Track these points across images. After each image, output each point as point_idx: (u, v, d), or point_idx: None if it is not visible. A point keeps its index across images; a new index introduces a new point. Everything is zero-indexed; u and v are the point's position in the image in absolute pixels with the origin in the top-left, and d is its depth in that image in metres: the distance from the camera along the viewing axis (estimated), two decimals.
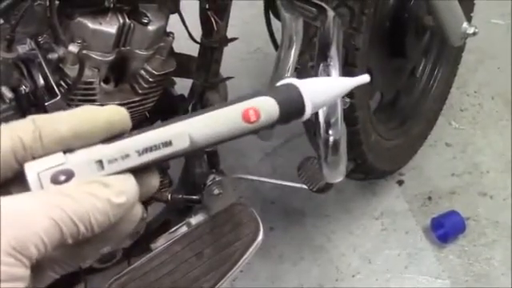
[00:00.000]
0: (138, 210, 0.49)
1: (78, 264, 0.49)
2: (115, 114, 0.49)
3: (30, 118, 0.47)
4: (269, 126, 0.53)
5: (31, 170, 0.45)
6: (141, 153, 0.48)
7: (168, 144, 0.49)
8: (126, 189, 0.47)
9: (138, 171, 0.48)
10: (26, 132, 0.46)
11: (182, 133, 0.49)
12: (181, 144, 0.49)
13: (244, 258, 1.51)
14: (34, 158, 0.46)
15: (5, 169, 0.45)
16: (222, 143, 0.52)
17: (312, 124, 1.69)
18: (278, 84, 0.55)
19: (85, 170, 0.46)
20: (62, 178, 0.46)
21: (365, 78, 0.59)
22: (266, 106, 0.53)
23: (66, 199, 0.44)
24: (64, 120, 0.47)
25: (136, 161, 0.48)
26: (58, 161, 0.46)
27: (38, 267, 0.44)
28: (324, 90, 0.56)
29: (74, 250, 0.47)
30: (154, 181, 0.51)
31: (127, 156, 0.48)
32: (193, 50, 1.55)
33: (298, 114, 0.55)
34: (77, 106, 1.28)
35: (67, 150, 0.47)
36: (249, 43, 2.59)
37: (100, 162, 0.47)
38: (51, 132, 0.46)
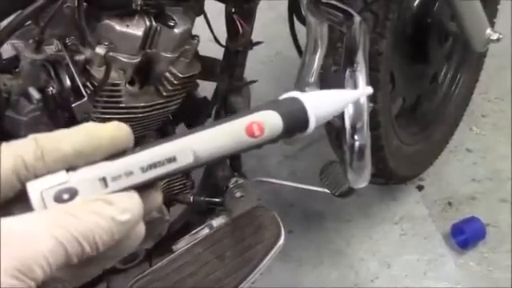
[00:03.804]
0: (142, 227, 0.48)
1: (80, 283, 0.48)
2: (118, 130, 0.48)
3: (31, 136, 0.46)
4: (273, 141, 0.53)
5: (34, 189, 0.45)
6: (145, 169, 0.47)
7: (172, 160, 0.48)
8: (130, 206, 0.46)
9: (141, 188, 0.48)
10: (28, 151, 0.45)
11: (186, 148, 0.49)
12: (185, 160, 0.49)
13: (265, 261, 1.51)
14: (36, 177, 0.45)
15: (7, 188, 0.44)
16: (227, 158, 0.52)
17: (334, 128, 1.70)
18: (282, 97, 0.55)
19: (88, 188, 0.46)
20: (66, 196, 0.45)
21: (368, 90, 0.59)
22: (270, 120, 0.52)
23: (71, 218, 0.43)
24: (66, 138, 0.46)
25: (140, 178, 0.47)
26: (60, 179, 0.45)
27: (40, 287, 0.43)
28: (328, 103, 0.56)
29: (77, 269, 0.46)
30: (158, 197, 0.50)
31: (131, 173, 0.47)
32: (214, 52, 1.56)
33: (301, 128, 0.54)
34: (102, 107, 1.30)
35: (70, 168, 0.46)
36: (269, 46, 2.59)
37: (104, 180, 0.46)
38: (53, 151, 0.45)
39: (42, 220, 0.42)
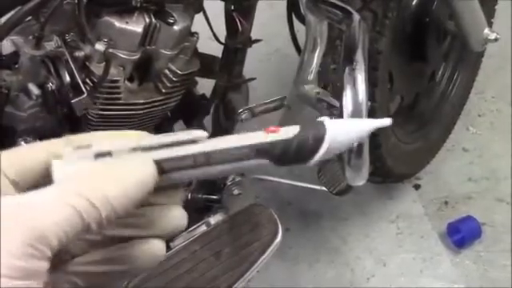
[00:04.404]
0: (160, 245, 0.49)
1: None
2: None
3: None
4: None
5: (58, 169, 0.46)
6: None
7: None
8: (143, 169, 0.46)
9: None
10: None
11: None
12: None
13: (262, 258, 1.52)
14: None
15: None
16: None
17: None
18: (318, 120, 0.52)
19: None
20: None
21: (386, 121, 0.55)
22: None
23: (83, 183, 0.43)
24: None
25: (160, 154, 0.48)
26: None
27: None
28: (347, 131, 0.52)
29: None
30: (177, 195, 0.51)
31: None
32: (213, 50, 1.56)
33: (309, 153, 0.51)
34: (102, 103, 1.30)
35: (99, 155, 0.47)
36: (268, 44, 2.58)
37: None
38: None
39: (55, 189, 0.43)
